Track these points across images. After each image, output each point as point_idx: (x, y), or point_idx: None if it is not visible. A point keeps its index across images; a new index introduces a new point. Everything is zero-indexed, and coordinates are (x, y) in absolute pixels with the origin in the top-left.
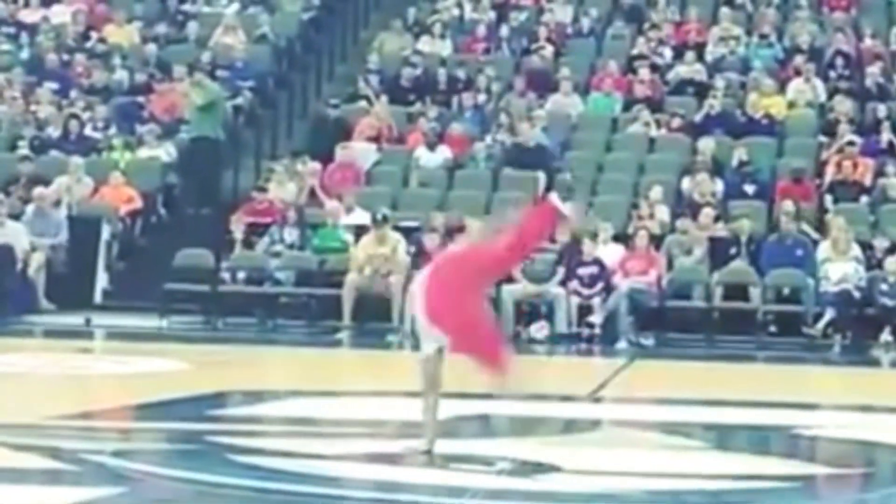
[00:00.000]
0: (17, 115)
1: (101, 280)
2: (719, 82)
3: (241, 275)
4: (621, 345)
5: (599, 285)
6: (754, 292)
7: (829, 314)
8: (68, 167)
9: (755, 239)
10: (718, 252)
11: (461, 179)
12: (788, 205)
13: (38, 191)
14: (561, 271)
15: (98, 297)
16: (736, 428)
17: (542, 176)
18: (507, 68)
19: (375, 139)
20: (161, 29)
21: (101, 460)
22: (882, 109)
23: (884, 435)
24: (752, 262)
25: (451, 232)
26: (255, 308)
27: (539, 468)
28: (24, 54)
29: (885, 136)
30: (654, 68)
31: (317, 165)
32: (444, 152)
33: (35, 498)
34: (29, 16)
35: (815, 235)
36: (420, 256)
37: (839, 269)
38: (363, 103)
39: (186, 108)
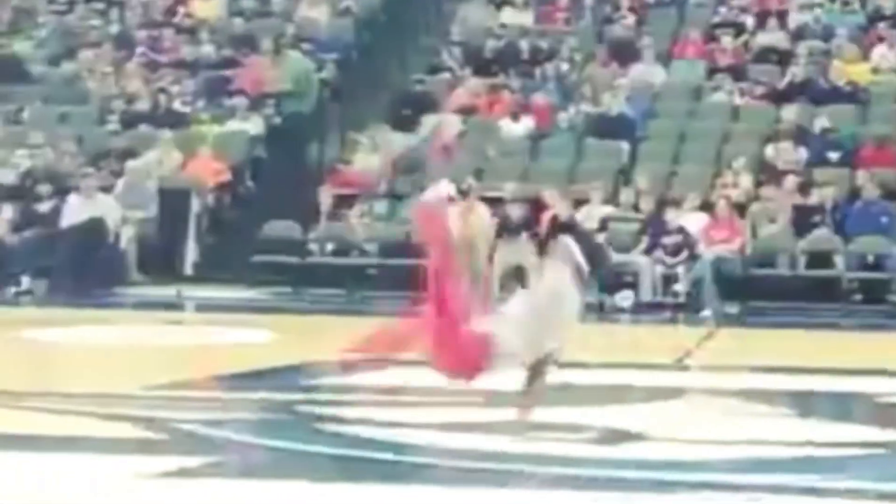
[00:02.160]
0: (107, 90)
1: (191, 252)
2: (802, 49)
3: (328, 246)
4: (706, 313)
5: (684, 254)
6: (838, 260)
7: None
8: (158, 141)
9: (839, 206)
10: (802, 220)
11: (545, 149)
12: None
13: (130, 164)
14: (645, 240)
15: (188, 269)
16: (820, 395)
17: (625, 146)
18: (589, 38)
19: (464, 111)
20: (247, 3)
21: (192, 429)
22: None
23: None
24: (837, 230)
25: (534, 203)
26: (343, 279)
27: (625, 436)
28: (113, 29)
29: None
30: (737, 36)
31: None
32: (527, 123)
33: (129, 467)
34: None
35: None
36: (506, 227)
37: None
38: (446, 75)
39: (273, 84)
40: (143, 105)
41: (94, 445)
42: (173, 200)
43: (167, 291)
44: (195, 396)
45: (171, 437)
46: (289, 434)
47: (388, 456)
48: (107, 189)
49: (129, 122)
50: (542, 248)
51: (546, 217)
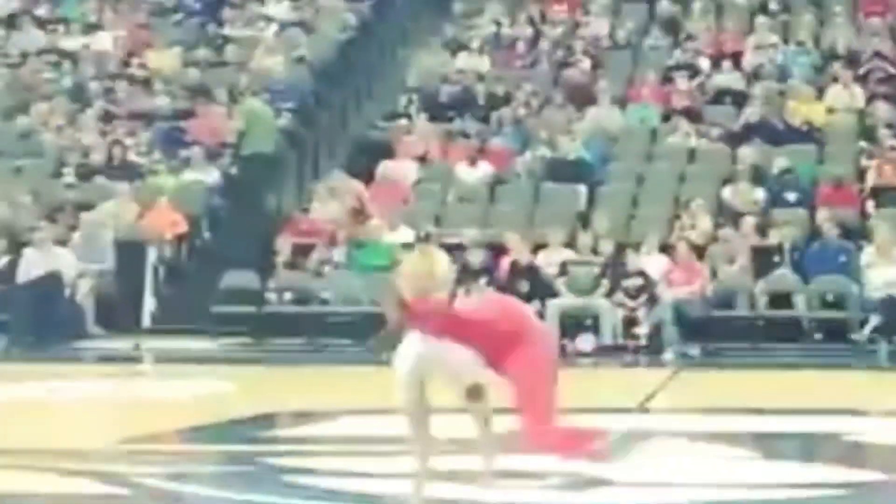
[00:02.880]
0: (62, 143)
1: (149, 304)
2: (757, 90)
3: (287, 295)
4: (667, 355)
5: (644, 296)
6: (799, 300)
7: (875, 320)
8: (114, 193)
9: (798, 246)
10: (762, 260)
11: (503, 195)
12: (829, 212)
13: (86, 217)
14: (605, 284)
15: (146, 321)
16: (784, 436)
17: (583, 189)
18: (546, 82)
19: (418, 157)
20: (201, 53)
21: (154, 484)
22: None
23: None
24: (796, 270)
25: (494, 248)
26: (303, 328)
27: (590, 482)
28: (67, 82)
29: None
30: (692, 78)
31: (358, 183)
32: (484, 168)
33: None
34: (70, 43)
35: (858, 242)
36: (464, 273)
37: (885, 274)
38: (403, 121)
39: (229, 133)
40: (98, 157)
41: (54, 502)
42: (130, 253)
43: (125, 344)
44: (157, 450)
45: (133, 493)
46: (254, 487)
47: None
48: (63, 242)
49: (85, 174)
50: (504, 292)
51: (506, 262)
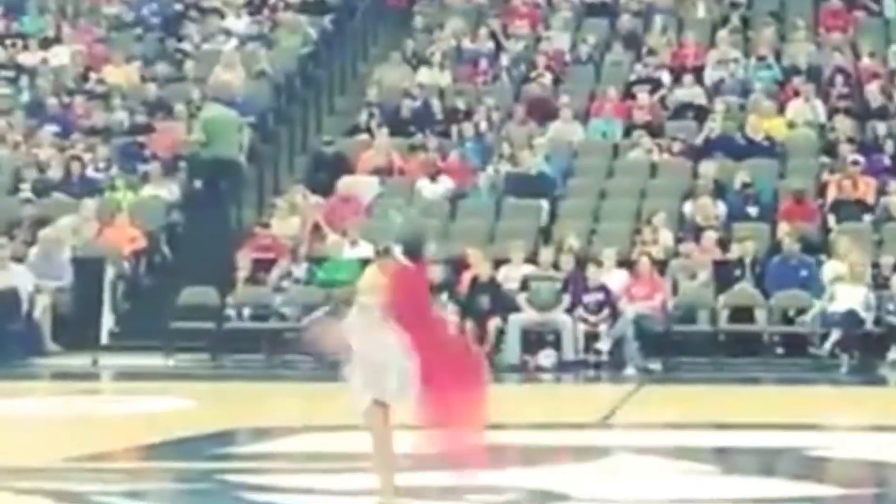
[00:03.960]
0: (19, 159)
1: (107, 321)
2: (719, 105)
3: (246, 311)
4: (629, 371)
5: (605, 312)
6: (760, 314)
7: (836, 334)
8: (74, 209)
9: (759, 261)
10: (723, 275)
11: (464, 209)
12: (790, 226)
13: (43, 233)
14: (566, 299)
15: (104, 338)
16: (745, 451)
17: (544, 204)
18: (507, 97)
19: (378, 172)
20: (160, 68)
21: (111, 502)
22: (882, 128)
23: (893, 454)
24: (757, 285)
25: (455, 263)
26: (262, 344)
27: (548, 497)
28: (24, 97)
29: (887, 154)
30: (653, 92)
31: (319, 200)
32: (445, 183)
33: None
34: (28, 59)
35: (819, 256)
36: None
37: (851, 293)
38: (363, 136)
39: (189, 146)
40: (55, 173)
41: None
42: (88, 269)
43: (83, 361)
44: (114, 468)
45: None
46: None
47: None
48: (20, 259)
49: (42, 190)
50: (464, 307)
51: (467, 277)
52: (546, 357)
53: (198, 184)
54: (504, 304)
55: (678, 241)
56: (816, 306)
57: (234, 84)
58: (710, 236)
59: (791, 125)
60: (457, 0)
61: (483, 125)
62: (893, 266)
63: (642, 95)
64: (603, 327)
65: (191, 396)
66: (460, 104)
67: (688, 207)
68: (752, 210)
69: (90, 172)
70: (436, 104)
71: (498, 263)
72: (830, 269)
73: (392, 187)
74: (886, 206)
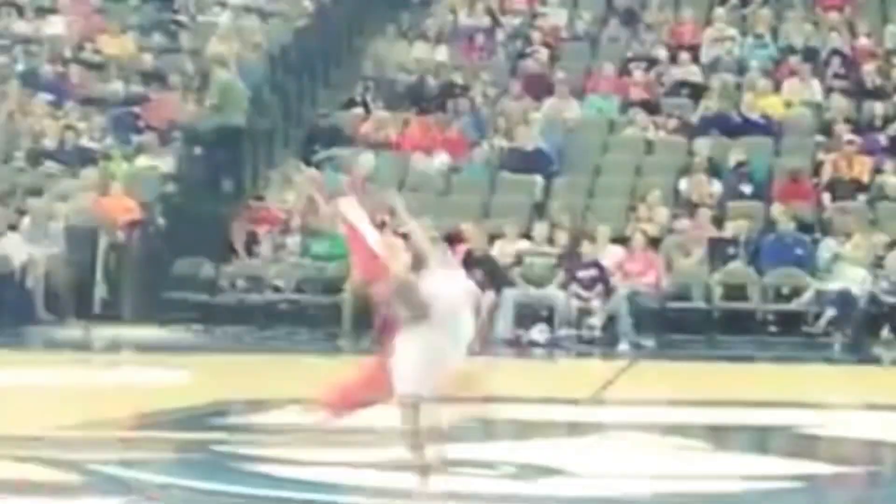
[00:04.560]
0: (13, 128)
1: (100, 290)
2: (715, 83)
3: (240, 283)
4: (622, 347)
5: (599, 288)
6: (754, 292)
7: (830, 313)
8: (66, 178)
9: (753, 239)
10: (717, 252)
11: (459, 184)
12: (785, 205)
13: (35, 202)
14: (560, 274)
15: (97, 308)
16: (738, 428)
17: (539, 180)
18: (503, 73)
19: (376, 146)
20: (156, 39)
21: (107, 470)
22: (878, 107)
23: (886, 433)
24: (751, 263)
25: (449, 238)
26: (255, 316)
27: (542, 472)
28: (19, 66)
29: (883, 133)
30: (650, 70)
31: (314, 172)
32: (441, 157)
33: None
34: (23, 28)
35: (814, 235)
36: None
37: (851, 272)
38: (358, 110)
39: (188, 113)
40: (50, 142)
41: (4, 488)
42: (81, 238)
43: (75, 330)
44: (108, 437)
45: (85, 479)
46: (205, 474)
47: (310, 495)
48: (13, 227)
49: (36, 159)
50: None
51: (461, 252)
52: (539, 332)
53: (197, 151)
54: (498, 279)
55: (673, 218)
56: (812, 285)
57: (230, 56)
58: (704, 214)
59: (787, 104)
60: None
61: (479, 100)
62: (887, 245)
63: (638, 72)
64: (596, 303)
65: (184, 367)
66: (456, 79)
67: (683, 185)
68: (747, 188)
69: (85, 142)
70: (431, 79)
71: (492, 238)
72: (827, 247)
73: (387, 161)
74: (882, 186)
